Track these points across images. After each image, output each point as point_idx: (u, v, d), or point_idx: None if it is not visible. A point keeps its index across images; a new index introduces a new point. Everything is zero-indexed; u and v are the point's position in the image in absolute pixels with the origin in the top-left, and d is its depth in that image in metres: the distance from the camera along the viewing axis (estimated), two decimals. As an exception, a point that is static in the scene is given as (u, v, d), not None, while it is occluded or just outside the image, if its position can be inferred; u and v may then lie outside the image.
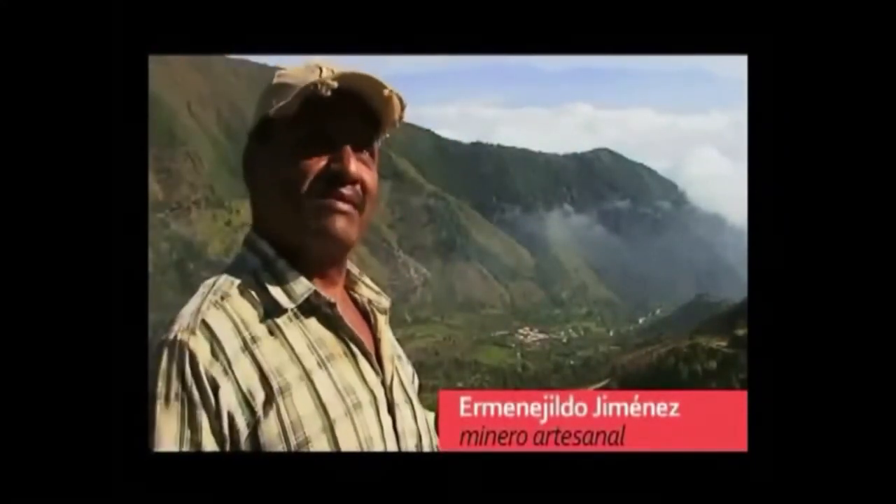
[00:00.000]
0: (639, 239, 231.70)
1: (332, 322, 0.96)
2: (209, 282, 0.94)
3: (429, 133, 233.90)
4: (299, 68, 0.98)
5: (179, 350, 0.85)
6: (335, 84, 0.92)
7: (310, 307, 0.95)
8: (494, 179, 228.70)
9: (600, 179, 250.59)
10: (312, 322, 0.95)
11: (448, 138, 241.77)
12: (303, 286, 0.94)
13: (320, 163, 0.95)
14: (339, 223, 0.95)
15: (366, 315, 1.06)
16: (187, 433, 0.83)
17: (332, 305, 0.95)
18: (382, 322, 1.06)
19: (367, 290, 1.07)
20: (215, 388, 0.85)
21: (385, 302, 1.08)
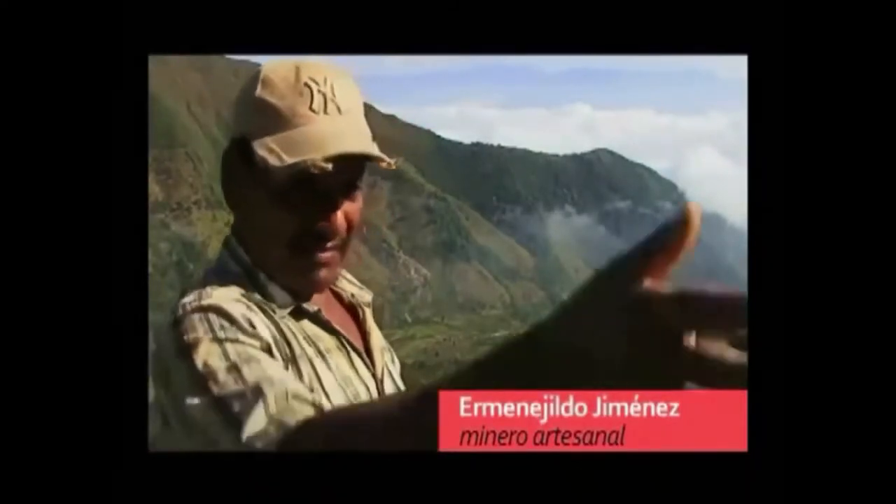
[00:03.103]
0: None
1: (319, 322, 0.96)
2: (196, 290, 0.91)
3: (429, 133, 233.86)
4: (287, 83, 0.92)
5: (198, 308, 0.82)
6: (329, 167, 0.87)
7: (297, 312, 0.94)
8: (494, 180, 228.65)
9: (600, 180, 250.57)
10: (304, 321, 0.95)
11: (448, 139, 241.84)
12: (286, 301, 0.93)
13: (305, 214, 0.91)
14: (322, 274, 0.94)
15: (351, 309, 1.05)
16: (233, 353, 0.78)
17: (317, 311, 0.95)
18: (368, 315, 1.06)
19: (349, 285, 1.06)
20: (247, 320, 0.82)
21: (367, 296, 1.08)
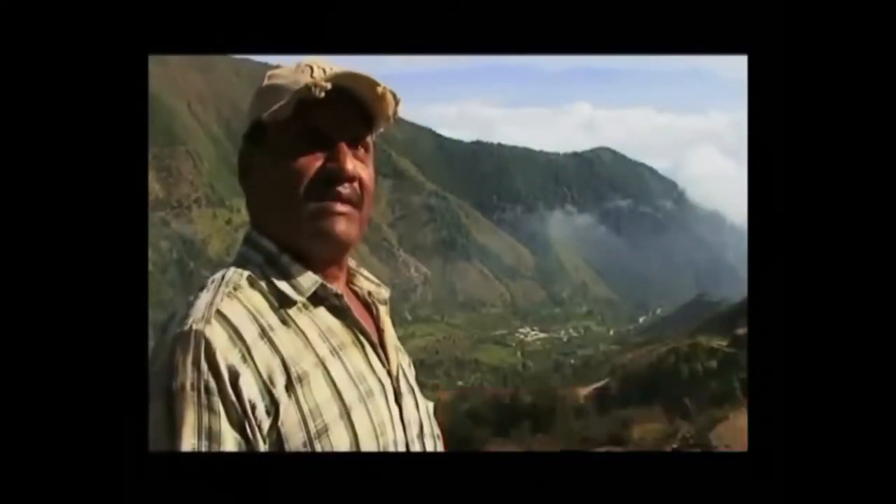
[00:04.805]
0: (639, 238, 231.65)
1: (339, 313, 0.97)
2: (217, 276, 0.93)
3: (429, 132, 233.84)
4: (290, 69, 0.97)
5: (195, 340, 0.83)
6: (328, 85, 0.91)
7: (317, 299, 0.95)
8: (495, 178, 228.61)
9: (601, 178, 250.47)
10: (321, 311, 0.95)
11: (448, 137, 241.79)
12: (309, 280, 0.94)
13: (316, 162, 0.94)
14: (339, 225, 0.95)
15: (367, 307, 1.06)
16: (205, 422, 0.81)
17: (340, 297, 0.96)
18: (384, 313, 1.07)
19: (367, 283, 1.08)
20: (234, 376, 0.83)
21: (385, 293, 1.09)
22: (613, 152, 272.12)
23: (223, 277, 0.92)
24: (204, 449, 0.81)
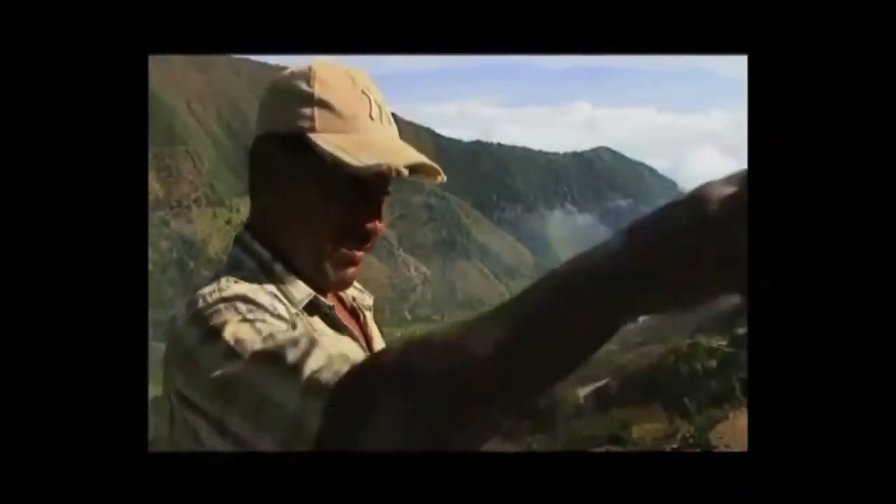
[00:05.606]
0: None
1: (331, 321, 0.98)
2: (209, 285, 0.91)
3: (429, 132, 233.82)
4: (347, 91, 0.95)
5: (223, 300, 0.81)
6: (406, 172, 0.92)
7: (310, 308, 0.96)
8: (495, 178, 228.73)
9: (601, 178, 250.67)
10: (315, 320, 0.96)
11: (448, 137, 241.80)
12: (302, 292, 0.94)
13: (355, 214, 0.95)
14: (351, 272, 0.98)
15: (353, 313, 1.08)
16: (254, 327, 0.77)
17: (331, 308, 0.97)
18: (370, 319, 1.09)
19: (352, 289, 1.08)
20: (264, 310, 0.83)
21: (368, 300, 1.10)
22: (613, 152, 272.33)
23: (216, 283, 0.90)
24: (269, 343, 0.74)
